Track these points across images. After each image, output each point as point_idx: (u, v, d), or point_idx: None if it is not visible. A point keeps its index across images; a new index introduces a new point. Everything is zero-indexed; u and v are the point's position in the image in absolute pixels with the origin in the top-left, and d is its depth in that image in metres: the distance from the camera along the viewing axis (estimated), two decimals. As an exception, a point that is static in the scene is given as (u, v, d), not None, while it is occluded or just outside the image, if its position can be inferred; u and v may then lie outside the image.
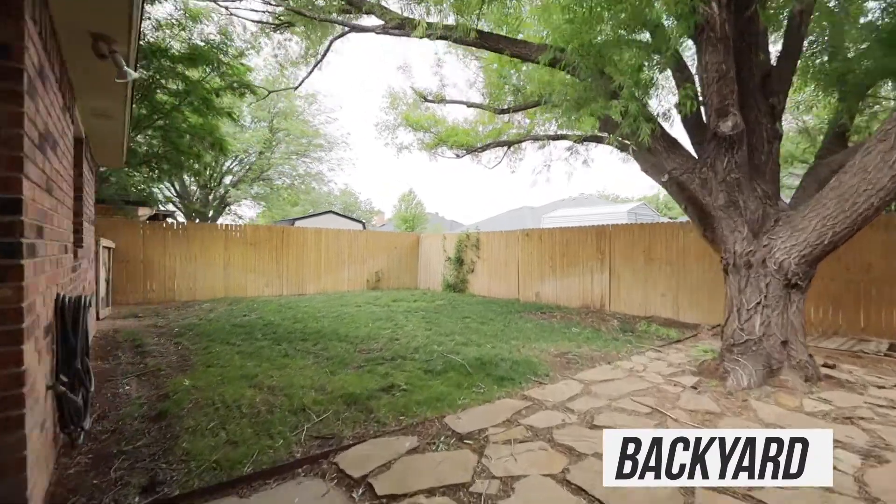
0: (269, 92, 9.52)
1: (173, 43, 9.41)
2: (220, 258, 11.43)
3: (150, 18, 8.65)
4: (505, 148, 11.58)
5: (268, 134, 20.98)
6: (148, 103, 9.42)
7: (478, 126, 11.31)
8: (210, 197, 23.20)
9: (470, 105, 9.34)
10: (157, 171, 11.36)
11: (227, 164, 23.34)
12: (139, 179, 12.03)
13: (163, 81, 9.21)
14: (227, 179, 22.97)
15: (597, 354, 5.67)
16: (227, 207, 25.54)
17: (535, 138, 9.00)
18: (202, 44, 9.60)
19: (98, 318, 7.51)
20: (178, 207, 23.59)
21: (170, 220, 13.96)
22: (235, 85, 10.41)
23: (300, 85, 8.35)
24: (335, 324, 7.60)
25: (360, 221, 23.17)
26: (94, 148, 5.67)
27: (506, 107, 8.19)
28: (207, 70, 9.90)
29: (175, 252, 10.79)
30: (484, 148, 11.16)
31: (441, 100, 9.76)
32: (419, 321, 8.01)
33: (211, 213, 23.21)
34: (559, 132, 8.53)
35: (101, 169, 8.98)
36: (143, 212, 12.66)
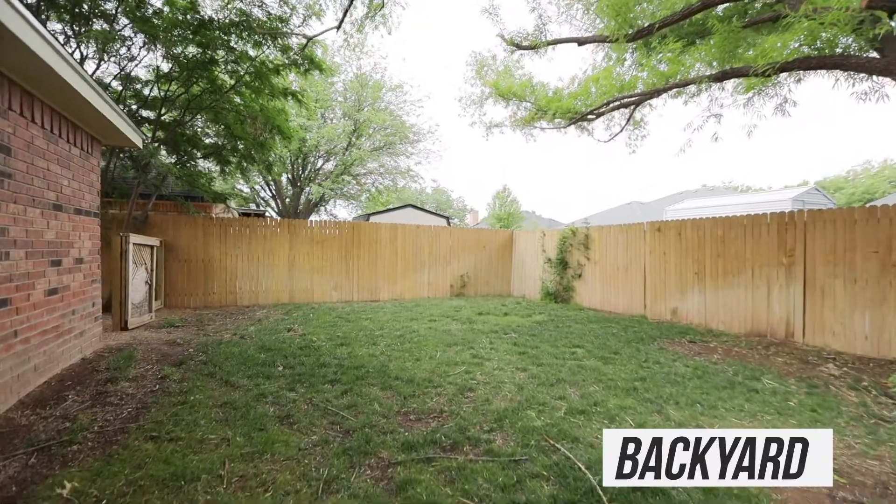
0: (308, 39, 7.77)
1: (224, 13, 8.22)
2: (284, 258, 10.15)
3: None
4: (628, 111, 8.63)
5: (351, 126, 20.05)
6: (206, 80, 8.36)
7: (590, 86, 8.51)
8: (301, 197, 23.16)
9: (583, 42, 6.61)
10: (226, 165, 10.44)
11: (321, 162, 23.16)
12: (213, 175, 11.34)
13: (214, 55, 8.04)
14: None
15: (881, 471, 2.73)
16: (318, 206, 25.48)
17: (687, 83, 5.98)
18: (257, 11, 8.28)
19: (124, 328, 6.36)
20: (271, 207, 24.01)
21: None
22: (299, 61, 8.99)
23: (343, 21, 6.41)
24: (392, 350, 5.52)
25: (444, 217, 21.13)
26: (67, 112, 4.24)
27: (640, 29, 5.30)
28: (267, 43, 8.57)
29: (236, 251, 9.71)
30: (598, 112, 8.33)
31: (538, 45, 7.16)
32: (509, 351, 5.59)
33: (301, 211, 23.16)
34: (729, 67, 5.47)
35: (108, 148, 8.02)
36: (216, 210, 11.98)
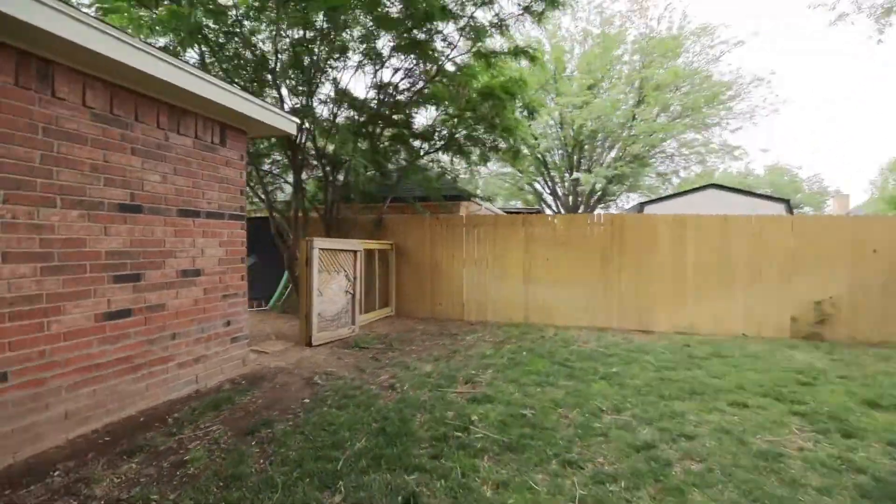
0: None
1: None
2: (518, 265, 7.92)
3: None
4: None
5: (633, 97, 15.94)
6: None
7: None
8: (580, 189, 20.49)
9: None
10: (464, 156, 9.16)
11: (602, 148, 19.94)
12: (458, 171, 10.37)
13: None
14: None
15: None
16: (602, 201, 22.12)
17: None
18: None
19: (309, 344, 5.61)
20: (547, 205, 22.41)
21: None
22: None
23: None
24: (606, 495, 2.37)
25: (781, 200, 13.67)
26: (140, 88, 3.31)
27: None
28: None
29: (463, 255, 8.19)
30: None
31: None
32: None
33: (581, 209, 20.48)
34: None
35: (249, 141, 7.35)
36: (467, 210, 10.92)
